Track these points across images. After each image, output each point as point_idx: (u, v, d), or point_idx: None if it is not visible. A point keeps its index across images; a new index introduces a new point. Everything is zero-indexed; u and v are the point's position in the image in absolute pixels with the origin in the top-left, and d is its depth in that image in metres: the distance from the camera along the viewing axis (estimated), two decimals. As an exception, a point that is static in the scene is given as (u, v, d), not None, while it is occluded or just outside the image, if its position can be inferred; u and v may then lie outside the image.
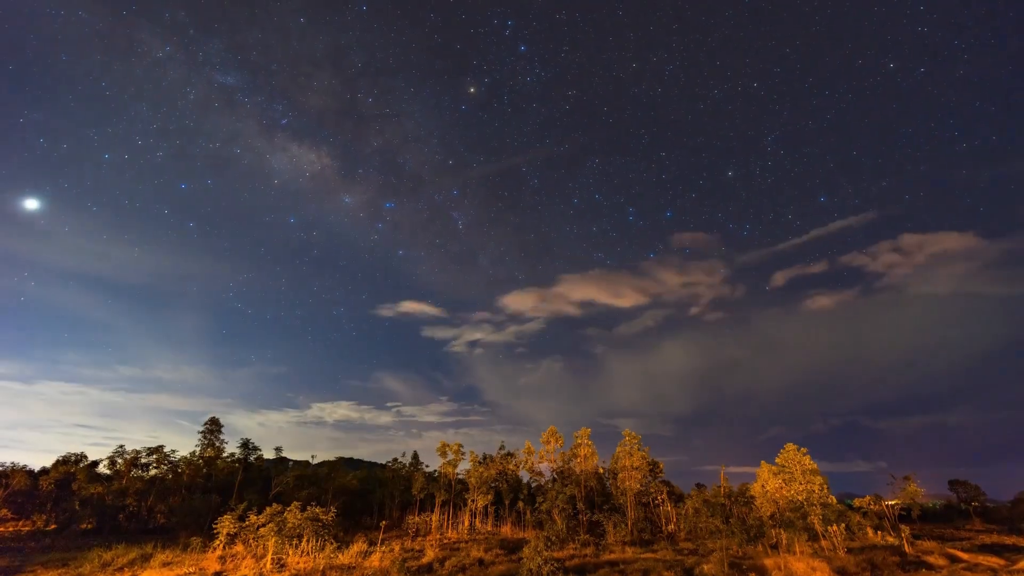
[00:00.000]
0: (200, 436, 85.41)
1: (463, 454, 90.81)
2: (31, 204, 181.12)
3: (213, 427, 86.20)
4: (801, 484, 70.24)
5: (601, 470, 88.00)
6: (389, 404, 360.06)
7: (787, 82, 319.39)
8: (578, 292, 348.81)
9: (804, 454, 72.90)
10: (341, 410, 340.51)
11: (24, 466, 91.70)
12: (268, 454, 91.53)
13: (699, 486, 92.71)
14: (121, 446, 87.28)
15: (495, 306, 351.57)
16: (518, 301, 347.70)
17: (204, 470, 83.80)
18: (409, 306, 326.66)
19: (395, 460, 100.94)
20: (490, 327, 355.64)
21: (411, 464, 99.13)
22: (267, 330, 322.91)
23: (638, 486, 78.16)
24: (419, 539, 66.36)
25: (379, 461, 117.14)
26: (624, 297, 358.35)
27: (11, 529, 71.15)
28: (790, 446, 74.62)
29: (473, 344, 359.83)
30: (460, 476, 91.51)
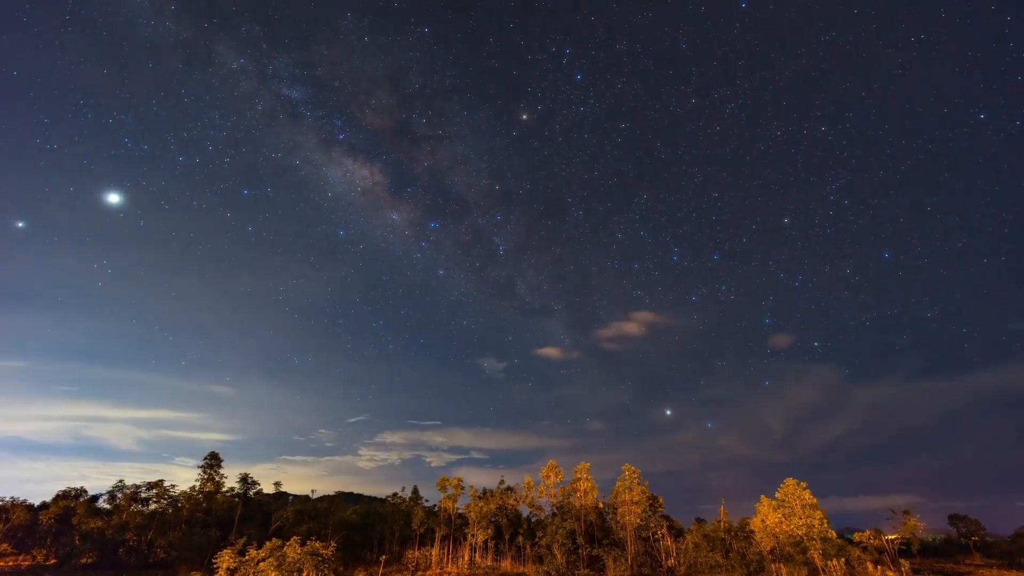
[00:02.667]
0: (200, 471, 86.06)
1: (463, 488, 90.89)
2: (114, 198, 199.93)
3: (213, 462, 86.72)
4: (801, 518, 70.42)
5: (601, 505, 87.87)
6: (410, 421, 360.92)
7: (859, 127, 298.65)
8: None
9: (804, 488, 73.27)
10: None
11: (24, 500, 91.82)
12: (267, 488, 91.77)
13: (699, 520, 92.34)
14: (121, 480, 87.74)
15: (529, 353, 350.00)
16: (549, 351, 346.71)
17: (204, 504, 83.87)
18: (446, 324, 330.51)
19: (395, 495, 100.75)
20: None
21: (411, 498, 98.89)
22: (309, 334, 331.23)
23: (638, 521, 78.16)
24: (419, 574, 66.38)
25: (379, 495, 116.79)
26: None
27: (11, 564, 71.14)
28: (790, 481, 74.97)
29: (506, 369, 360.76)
30: (460, 511, 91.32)
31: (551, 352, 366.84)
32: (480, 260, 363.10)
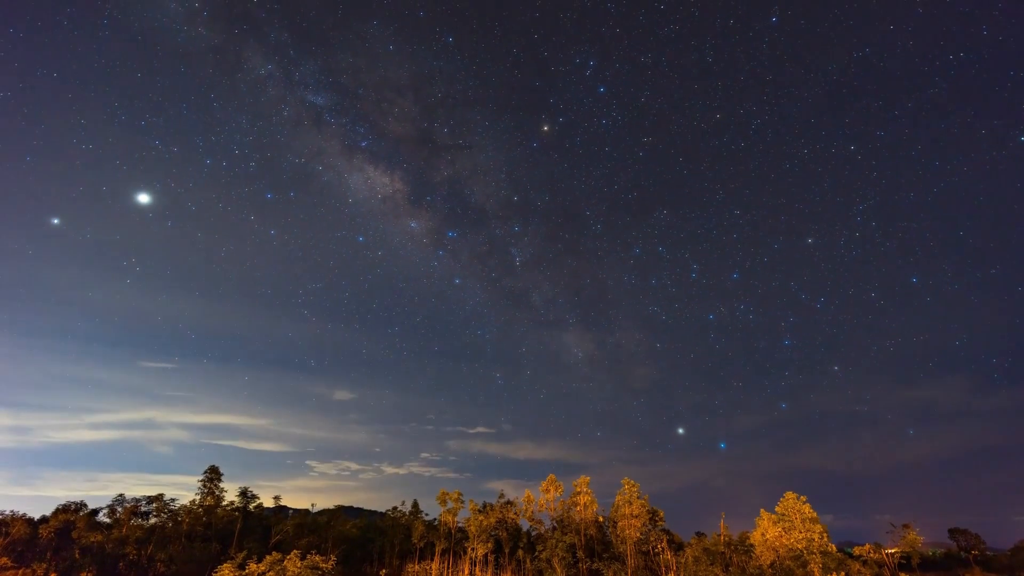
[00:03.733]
0: (200, 484, 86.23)
1: (463, 502, 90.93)
2: (143, 198, 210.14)
3: (212, 475, 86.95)
4: (801, 532, 70.54)
5: (601, 519, 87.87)
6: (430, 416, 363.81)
7: (891, 147, 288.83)
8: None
9: (804, 502, 73.41)
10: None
11: (24, 514, 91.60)
12: (267, 502, 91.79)
13: (699, 534, 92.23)
14: (121, 495, 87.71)
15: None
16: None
17: (204, 518, 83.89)
18: (461, 333, 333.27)
19: (395, 508, 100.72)
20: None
21: (411, 512, 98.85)
22: (327, 338, 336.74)
23: (638, 534, 78.22)
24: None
25: (379, 509, 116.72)
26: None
27: (10, 578, 71.10)
28: (790, 494, 75.16)
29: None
30: (460, 524, 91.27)
31: (564, 365, 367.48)
32: (496, 271, 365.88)
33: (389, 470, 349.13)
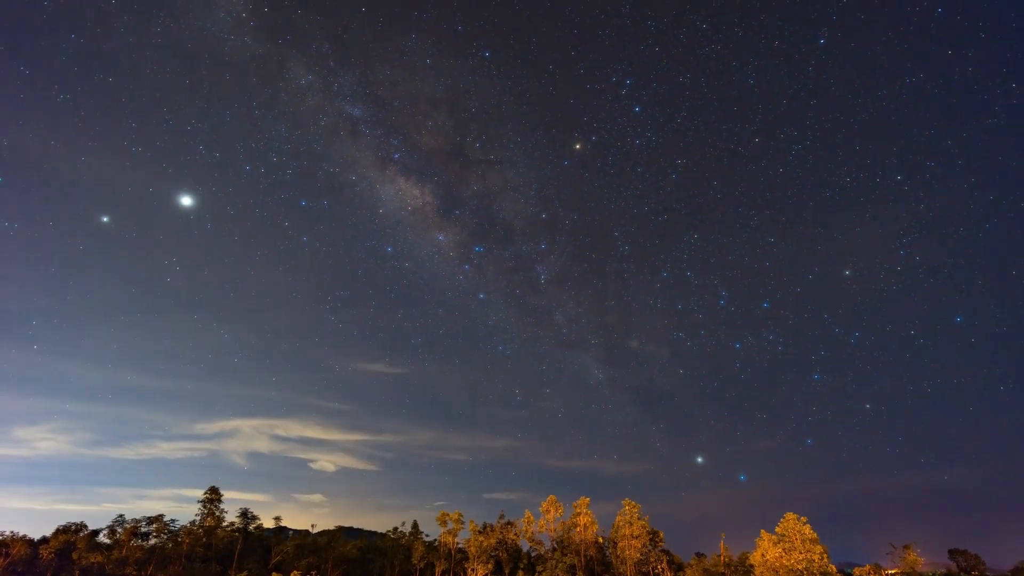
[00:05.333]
0: (200, 505, 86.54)
1: (463, 523, 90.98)
2: (186, 201, 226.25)
3: (213, 496, 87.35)
4: (801, 553, 70.69)
5: (601, 539, 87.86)
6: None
7: (941, 179, 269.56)
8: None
9: (804, 523, 73.60)
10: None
11: (24, 535, 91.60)
12: (267, 523, 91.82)
13: (699, 555, 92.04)
14: (121, 515, 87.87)
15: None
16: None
17: (204, 539, 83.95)
18: (482, 348, 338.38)
19: (395, 529, 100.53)
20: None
21: (411, 533, 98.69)
22: (352, 345, 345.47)
23: (638, 555, 78.30)
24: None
25: (379, 530, 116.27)
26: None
27: (11, 600, 71.09)
28: (790, 515, 75.36)
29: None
30: (460, 545, 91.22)
31: (584, 386, 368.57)
32: (521, 287, 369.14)
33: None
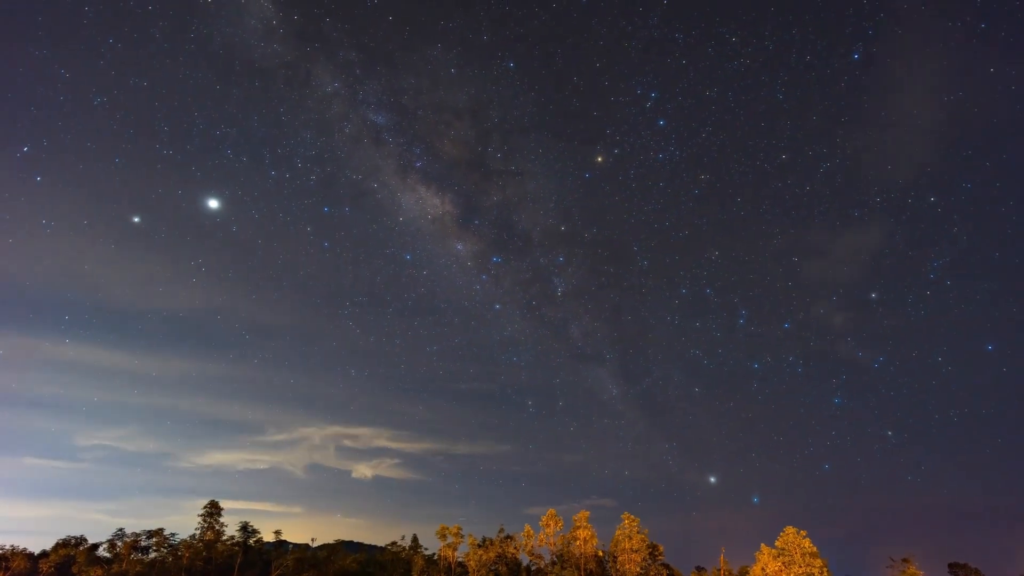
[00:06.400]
0: (200, 519, 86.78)
1: (462, 536, 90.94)
2: (213, 203, 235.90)
3: (213, 510, 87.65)
4: (801, 567, 70.67)
5: (600, 553, 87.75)
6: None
7: (977, 201, 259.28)
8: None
9: (804, 537, 73.60)
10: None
11: (24, 549, 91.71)
12: (268, 536, 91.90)
13: (699, 568, 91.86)
14: (121, 529, 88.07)
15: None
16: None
17: (204, 553, 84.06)
18: (496, 358, 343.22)
19: (394, 543, 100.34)
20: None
21: (411, 547, 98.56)
22: (369, 352, 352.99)
23: (638, 569, 78.24)
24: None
25: (379, 544, 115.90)
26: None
27: (10, 614, 71.14)
28: (790, 529, 75.41)
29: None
30: (460, 559, 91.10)
31: (597, 400, 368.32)
32: (537, 299, 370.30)
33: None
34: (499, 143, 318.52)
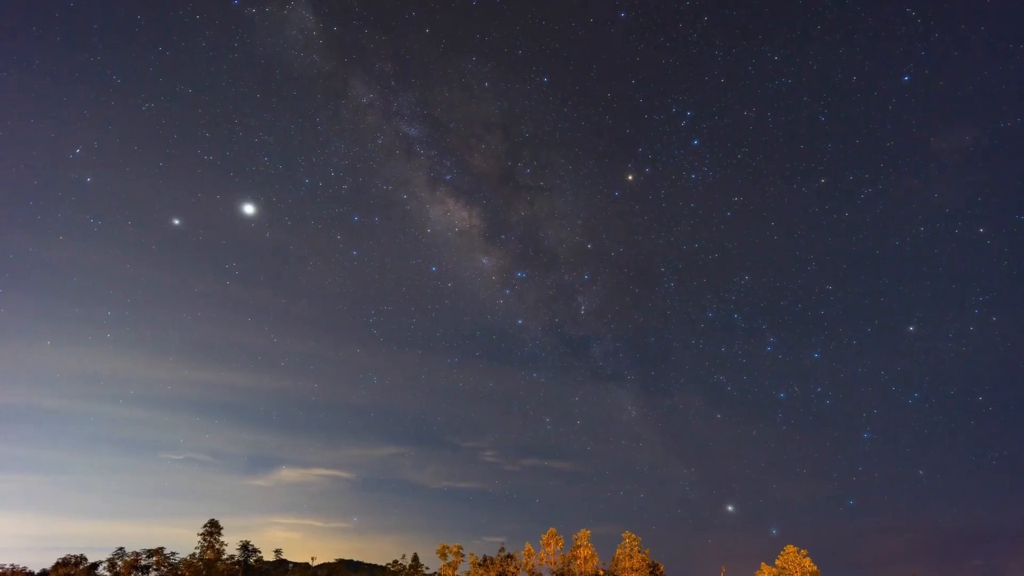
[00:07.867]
0: (200, 538, 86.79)
1: (463, 555, 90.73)
2: (249, 209, 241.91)
3: (212, 529, 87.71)
4: (801, 587, 70.70)
5: (601, 572, 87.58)
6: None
7: None
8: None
9: (804, 556, 73.74)
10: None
11: (24, 568, 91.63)
12: (268, 556, 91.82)
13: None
14: (121, 548, 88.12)
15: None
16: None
17: (204, 572, 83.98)
18: (516, 374, 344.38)
19: (395, 562, 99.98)
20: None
21: (411, 566, 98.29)
22: (392, 360, 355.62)
23: (638, 589, 78.08)
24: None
25: (379, 563, 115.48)
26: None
27: (11, 634, 71.04)
28: (790, 548, 75.56)
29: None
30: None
31: (616, 421, 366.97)
32: (560, 316, 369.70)
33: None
34: (529, 158, 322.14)
